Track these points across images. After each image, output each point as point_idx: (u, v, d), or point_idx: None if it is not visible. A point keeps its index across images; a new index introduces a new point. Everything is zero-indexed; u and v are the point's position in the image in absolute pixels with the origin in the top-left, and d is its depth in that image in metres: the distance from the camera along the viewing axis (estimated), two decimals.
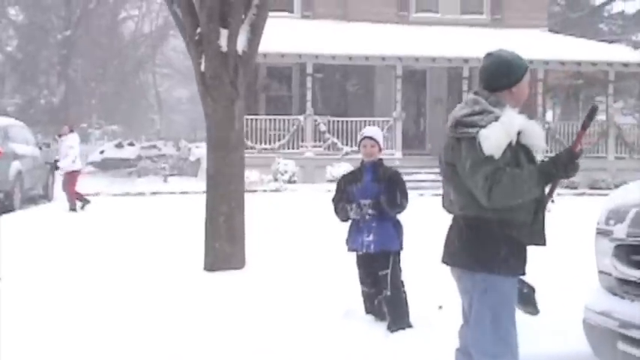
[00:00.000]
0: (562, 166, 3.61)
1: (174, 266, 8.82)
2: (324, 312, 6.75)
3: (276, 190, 20.36)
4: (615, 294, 4.78)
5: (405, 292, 6.24)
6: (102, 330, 6.21)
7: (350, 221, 6.37)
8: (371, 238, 6.16)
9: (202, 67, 8.42)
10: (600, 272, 4.96)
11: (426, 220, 9.68)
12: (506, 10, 25.81)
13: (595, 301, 4.93)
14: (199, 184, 20.31)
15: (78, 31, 41.76)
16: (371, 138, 6.38)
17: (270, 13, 24.67)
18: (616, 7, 45.48)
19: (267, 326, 6.33)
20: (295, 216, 14.38)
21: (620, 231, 4.63)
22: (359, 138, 6.52)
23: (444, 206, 4.17)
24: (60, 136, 17.70)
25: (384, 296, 6.20)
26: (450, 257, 4.04)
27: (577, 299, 5.15)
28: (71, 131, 17.27)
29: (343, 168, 21.66)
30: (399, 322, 6.14)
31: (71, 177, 16.74)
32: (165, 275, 8.33)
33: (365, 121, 22.66)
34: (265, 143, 22.81)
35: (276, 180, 21.38)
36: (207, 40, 8.31)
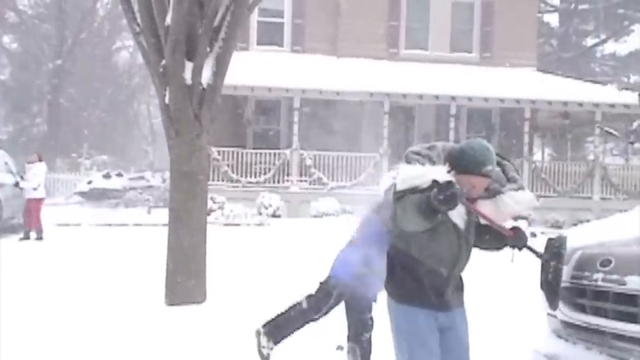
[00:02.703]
0: (435, 196, 3.59)
1: (136, 300, 8.75)
2: (278, 347, 6.68)
3: (260, 225, 20.24)
4: (560, 337, 4.74)
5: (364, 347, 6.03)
6: None
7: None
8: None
9: (166, 100, 8.37)
10: (548, 314, 4.91)
11: None
12: (495, 48, 25.90)
13: (541, 344, 4.89)
14: None
15: (70, 60, 41.84)
16: None
17: (260, 47, 25.39)
18: (608, 49, 45.80)
19: None
20: (270, 251, 14.28)
21: (566, 273, 4.59)
22: None
23: None
24: (29, 163, 17.84)
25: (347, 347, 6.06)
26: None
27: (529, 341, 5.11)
28: (39, 160, 17.56)
29: (328, 203, 21.65)
30: None
31: (34, 205, 16.91)
32: (126, 309, 8.26)
33: (351, 156, 22.77)
34: (251, 177, 22.74)
35: (260, 214, 21.31)
36: (171, 73, 8.27)
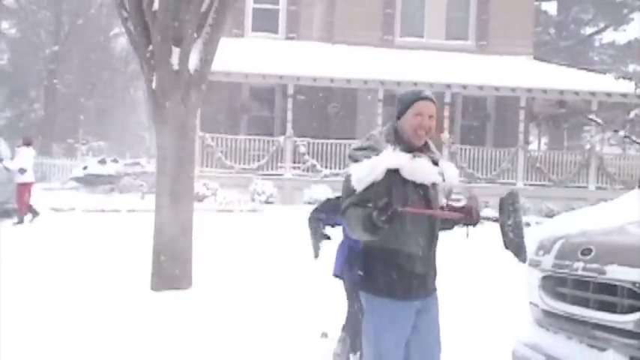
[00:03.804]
0: (377, 217, 3.63)
1: (121, 285, 8.73)
2: (261, 334, 6.69)
3: (253, 211, 20.22)
4: (542, 326, 4.72)
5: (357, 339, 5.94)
6: (42, 352, 6.07)
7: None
8: None
9: (154, 85, 8.31)
10: (530, 303, 4.89)
11: None
12: (491, 36, 25.78)
13: (523, 333, 4.87)
14: None
15: (66, 46, 41.69)
16: None
17: (254, 34, 25.34)
18: (607, 37, 45.63)
19: (198, 347, 6.24)
20: (261, 237, 14.24)
21: (547, 262, 4.58)
22: None
23: None
24: (18, 147, 18.08)
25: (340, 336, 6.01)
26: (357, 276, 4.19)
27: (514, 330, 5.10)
28: (27, 145, 17.70)
29: (321, 190, 21.60)
30: None
31: (22, 189, 17.09)
32: (111, 294, 8.23)
33: (346, 143, 22.68)
34: (245, 163, 22.69)
35: (253, 200, 21.28)
36: (158, 59, 8.21)
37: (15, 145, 20.34)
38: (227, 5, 8.52)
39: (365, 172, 3.74)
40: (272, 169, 22.72)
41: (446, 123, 23.12)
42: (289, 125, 22.82)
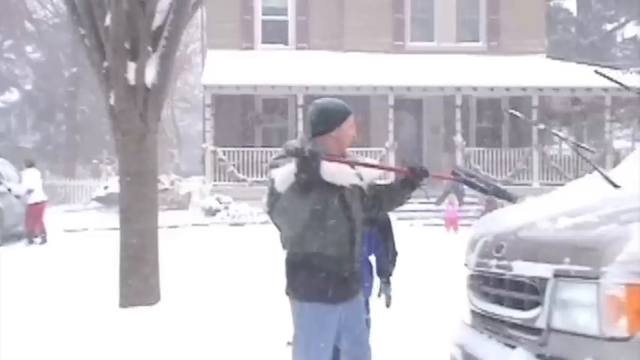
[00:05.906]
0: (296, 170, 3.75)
1: (93, 303, 8.75)
2: (226, 345, 6.69)
3: (265, 223, 20.18)
4: (472, 326, 4.67)
5: None
6: None
7: None
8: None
9: (111, 101, 8.35)
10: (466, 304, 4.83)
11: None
12: (503, 37, 25.59)
13: (455, 334, 4.83)
14: (190, 217, 20.23)
15: (85, 68, 42.12)
16: None
17: (265, 46, 25.37)
18: (628, 32, 45.03)
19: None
20: (261, 250, 14.09)
21: (472, 261, 4.54)
22: None
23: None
24: (22, 170, 18.51)
25: None
26: (286, 287, 4.26)
27: None
28: (29, 166, 17.99)
29: None
30: None
31: (32, 209, 17.44)
32: (80, 312, 8.26)
33: (359, 151, 22.61)
34: (257, 176, 22.73)
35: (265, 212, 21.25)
36: (114, 74, 8.25)
37: (43, 168, 20.72)
38: (183, 18, 8.52)
39: (286, 174, 3.78)
40: None
41: (458, 126, 22.97)
42: (300, 135, 22.77)
